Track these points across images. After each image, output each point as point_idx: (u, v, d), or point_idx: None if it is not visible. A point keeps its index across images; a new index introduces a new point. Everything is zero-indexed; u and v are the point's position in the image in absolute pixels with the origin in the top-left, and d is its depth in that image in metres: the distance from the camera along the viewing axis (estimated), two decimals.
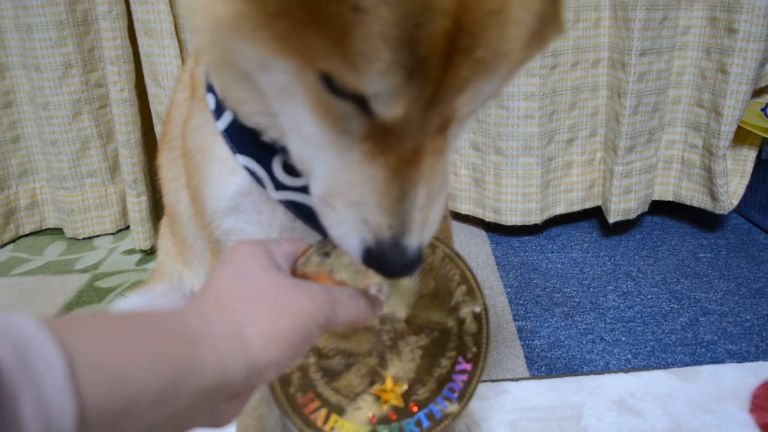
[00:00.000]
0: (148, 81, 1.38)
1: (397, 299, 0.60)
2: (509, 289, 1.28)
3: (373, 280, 0.59)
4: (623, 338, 1.11)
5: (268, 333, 0.43)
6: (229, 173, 0.63)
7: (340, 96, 0.41)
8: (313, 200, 0.48)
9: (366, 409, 0.59)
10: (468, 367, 0.60)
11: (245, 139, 0.59)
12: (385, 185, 0.44)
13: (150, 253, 1.49)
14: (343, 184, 0.45)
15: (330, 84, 0.41)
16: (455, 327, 0.60)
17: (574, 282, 1.30)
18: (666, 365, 1.03)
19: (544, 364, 1.05)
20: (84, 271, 1.43)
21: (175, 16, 1.30)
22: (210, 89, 0.62)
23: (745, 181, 1.47)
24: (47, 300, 1.31)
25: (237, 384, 0.41)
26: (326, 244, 0.56)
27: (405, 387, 0.60)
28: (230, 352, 0.41)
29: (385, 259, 0.45)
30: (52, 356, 0.30)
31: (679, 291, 1.26)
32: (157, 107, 1.39)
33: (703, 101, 1.40)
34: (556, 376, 1.00)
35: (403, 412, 0.59)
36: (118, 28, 1.33)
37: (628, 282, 1.30)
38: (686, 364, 1.03)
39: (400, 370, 0.60)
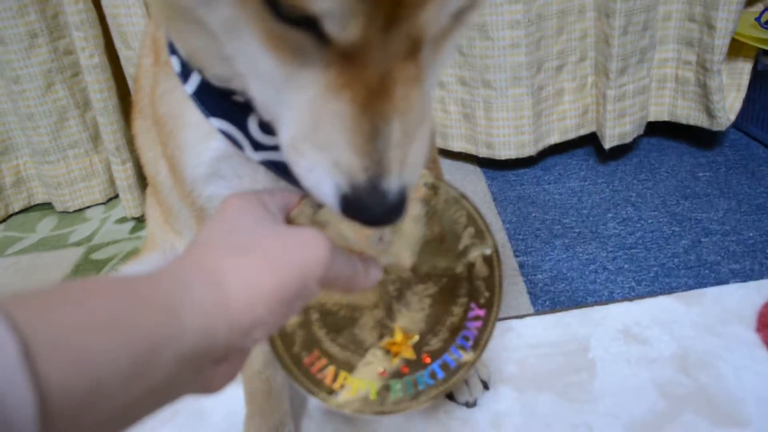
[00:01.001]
0: (118, 44, 1.33)
1: (400, 247, 0.56)
2: (508, 225, 1.26)
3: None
4: (626, 266, 1.10)
5: (252, 290, 0.39)
6: (203, 138, 0.60)
7: (290, 23, 0.37)
8: (282, 149, 0.44)
9: (376, 363, 0.57)
10: (481, 312, 0.57)
11: (217, 101, 0.56)
12: (353, 121, 0.39)
13: (141, 220, 1.47)
14: (310, 126, 0.41)
15: (276, 9, 0.36)
16: (465, 272, 0.57)
17: (573, 212, 1.29)
18: (670, 290, 1.02)
19: (548, 299, 1.04)
20: (78, 244, 1.41)
21: None
22: (173, 51, 0.59)
23: (742, 95, 1.43)
24: (44, 277, 1.29)
25: (220, 347, 0.38)
26: None
27: (416, 338, 0.57)
28: (210, 315, 0.37)
29: (364, 205, 0.40)
30: (4, 342, 0.26)
31: (680, 213, 1.24)
32: (130, 70, 1.34)
33: (694, 15, 1.35)
34: (560, 310, 0.99)
35: (415, 365, 0.57)
36: None
37: (627, 208, 1.28)
38: (690, 288, 1.02)
39: (409, 321, 0.57)
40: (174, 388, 0.36)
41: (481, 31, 1.31)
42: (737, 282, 1.01)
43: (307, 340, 0.56)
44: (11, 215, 1.60)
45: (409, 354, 0.57)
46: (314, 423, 0.84)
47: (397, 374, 0.57)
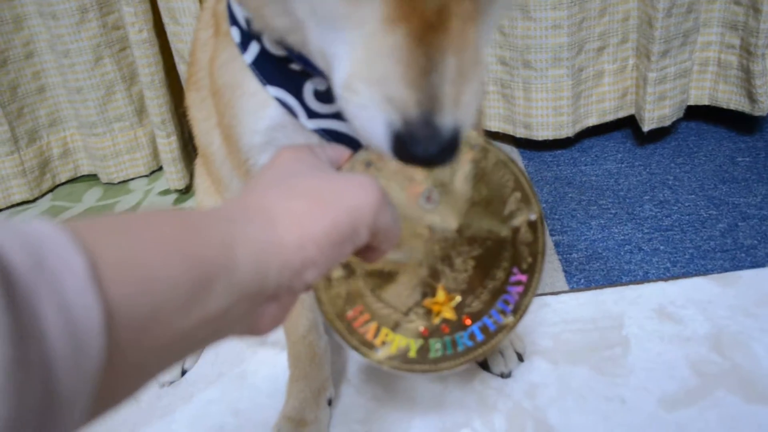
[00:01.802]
0: (165, 19, 1.36)
1: (447, 207, 0.57)
2: (544, 204, 1.28)
3: (422, 188, 0.56)
4: (662, 247, 1.11)
5: (304, 230, 0.40)
6: (260, 106, 0.62)
7: None
8: (336, 95, 0.44)
9: (417, 322, 0.58)
10: (523, 278, 0.58)
11: (274, 69, 0.58)
12: (408, 54, 0.39)
13: (185, 192, 1.52)
14: (365, 62, 0.41)
15: None
16: (509, 236, 0.58)
17: (609, 193, 1.29)
18: (705, 272, 1.03)
19: (582, 277, 1.05)
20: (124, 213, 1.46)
21: None
22: (233, 22, 0.61)
23: None
24: None
25: (271, 284, 0.38)
26: (371, 152, 0.54)
27: (458, 299, 0.58)
28: (263, 251, 0.38)
29: (416, 142, 0.39)
30: (73, 258, 0.27)
31: (717, 197, 1.24)
32: (177, 45, 1.38)
33: None
34: (595, 288, 1.01)
35: (455, 325, 0.58)
36: None
37: (664, 190, 1.28)
38: (726, 270, 1.02)
39: (452, 281, 0.58)
40: (227, 321, 0.37)
41: (524, 11, 1.32)
42: None
43: (351, 295, 0.57)
44: (58, 185, 1.66)
45: (450, 314, 0.58)
46: (353, 388, 0.87)
47: (438, 333, 0.58)
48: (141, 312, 0.30)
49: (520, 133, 1.47)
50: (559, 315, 0.95)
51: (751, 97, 1.37)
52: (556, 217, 1.24)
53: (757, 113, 1.38)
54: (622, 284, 1.01)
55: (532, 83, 1.39)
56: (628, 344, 0.88)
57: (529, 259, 0.58)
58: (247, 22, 0.58)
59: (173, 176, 1.48)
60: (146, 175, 1.63)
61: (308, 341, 0.79)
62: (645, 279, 1.03)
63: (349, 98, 0.42)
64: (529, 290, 0.58)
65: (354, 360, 0.91)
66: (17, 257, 0.26)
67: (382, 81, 0.40)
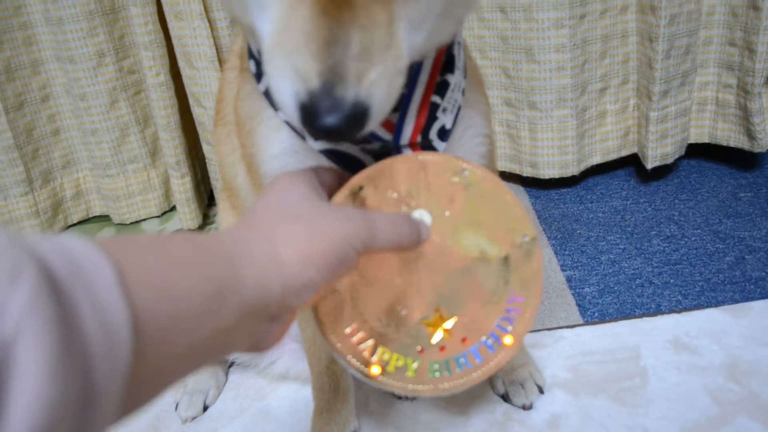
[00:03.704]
0: (181, 63, 1.40)
1: (441, 229, 0.58)
2: (553, 241, 1.30)
3: (415, 210, 0.58)
4: (672, 280, 1.13)
5: (303, 253, 0.45)
6: (275, 131, 0.66)
7: None
8: (263, 67, 0.46)
9: (415, 341, 0.58)
10: (521, 299, 0.58)
11: None
12: (313, 25, 0.41)
13: (198, 231, 1.53)
14: (279, 34, 0.43)
15: None
16: (504, 257, 0.58)
17: (616, 229, 1.32)
18: (717, 303, 1.04)
19: (596, 311, 1.07)
20: None
21: None
22: (251, 56, 0.65)
23: None
24: None
25: (274, 302, 0.43)
26: (363, 178, 0.58)
27: (455, 320, 0.58)
28: (267, 271, 0.43)
29: (318, 113, 0.41)
30: (103, 268, 0.32)
31: (723, 231, 1.27)
32: (192, 89, 1.42)
33: (735, 40, 1.39)
34: (610, 321, 1.02)
35: (453, 346, 0.57)
36: (149, 13, 1.35)
37: (670, 226, 1.31)
38: (736, 302, 1.04)
39: (447, 301, 0.58)
40: (236, 335, 0.41)
41: (528, 55, 1.37)
42: None
43: (350, 314, 0.57)
44: (69, 226, 1.68)
45: (447, 335, 0.58)
46: (375, 420, 0.88)
47: (436, 354, 0.57)
48: (161, 320, 0.34)
49: (527, 172, 1.50)
50: (576, 348, 0.97)
51: (750, 135, 1.41)
52: (567, 253, 1.26)
53: (756, 150, 1.42)
54: (636, 317, 1.03)
55: (537, 123, 1.43)
56: (646, 375, 0.89)
57: (526, 280, 0.58)
58: (260, 53, 0.62)
59: (186, 216, 1.50)
60: (158, 216, 1.65)
61: (332, 372, 0.80)
62: (658, 311, 1.04)
63: (268, 70, 0.44)
64: (526, 311, 0.58)
65: (376, 392, 0.92)
66: (59, 264, 0.30)
67: (290, 53, 0.42)
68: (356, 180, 0.58)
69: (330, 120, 0.41)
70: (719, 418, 0.80)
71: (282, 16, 0.43)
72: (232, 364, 1.00)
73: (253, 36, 0.57)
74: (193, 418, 0.91)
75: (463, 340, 0.57)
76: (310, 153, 0.65)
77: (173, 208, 1.67)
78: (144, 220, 1.64)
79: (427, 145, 0.62)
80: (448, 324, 0.58)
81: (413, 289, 0.58)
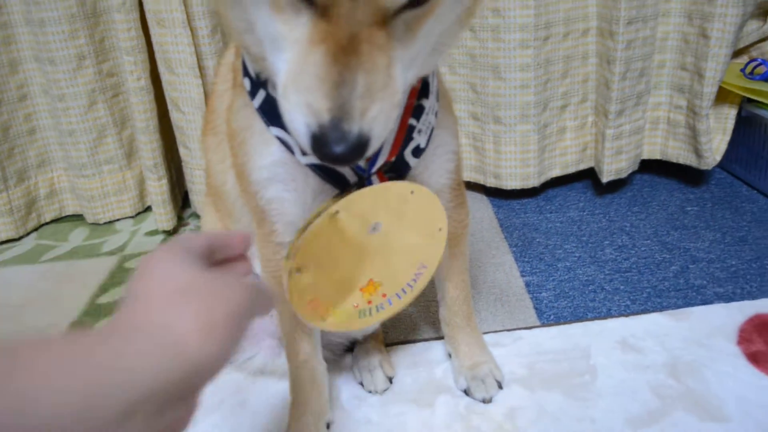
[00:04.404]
0: (161, 69, 1.45)
1: (388, 229, 0.77)
2: (514, 249, 1.38)
3: (371, 222, 0.75)
4: (622, 287, 1.22)
5: (203, 327, 0.43)
6: (266, 144, 0.72)
7: None
8: (278, 100, 0.53)
9: (352, 300, 0.79)
10: (423, 270, 0.83)
11: (275, 113, 0.67)
12: (325, 70, 0.49)
13: (172, 233, 1.57)
14: (294, 74, 0.51)
15: None
16: (422, 242, 0.80)
17: (573, 239, 1.41)
18: (661, 308, 1.13)
19: (552, 314, 1.15)
20: (111, 253, 1.51)
21: (186, 5, 1.36)
22: (245, 74, 0.71)
23: (727, 137, 1.57)
24: (81, 283, 1.39)
25: (176, 387, 0.41)
26: (337, 203, 0.71)
27: (381, 285, 0.80)
28: (163, 356, 0.41)
29: (327, 143, 0.49)
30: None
31: (670, 242, 1.36)
32: (171, 93, 1.46)
33: (686, 64, 1.49)
34: (564, 323, 1.10)
35: (376, 299, 0.81)
36: (132, 19, 1.39)
37: (622, 236, 1.40)
38: (679, 307, 1.14)
39: (379, 273, 0.80)
40: (135, 427, 0.39)
41: (494, 72, 1.45)
42: (721, 303, 1.13)
43: (310, 289, 0.75)
44: (42, 225, 1.70)
45: (375, 296, 0.81)
46: (346, 413, 0.94)
47: (365, 305, 0.80)
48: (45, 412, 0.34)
49: (491, 182, 1.58)
50: (533, 347, 1.04)
51: (698, 153, 1.52)
52: (526, 260, 1.34)
53: (703, 167, 1.53)
54: (588, 319, 1.11)
55: (501, 137, 1.51)
56: (595, 372, 0.97)
57: (433, 254, 0.81)
58: (257, 74, 0.68)
59: (162, 217, 1.54)
60: (131, 217, 1.68)
61: (310, 366, 0.86)
62: (608, 315, 1.13)
63: (283, 104, 0.52)
64: (427, 273, 0.83)
65: (347, 386, 0.98)
66: None
67: (304, 90, 0.50)
68: (334, 206, 0.70)
69: (337, 149, 0.49)
70: (659, 411, 0.89)
71: (297, 59, 0.51)
72: None
73: (259, 63, 0.63)
74: None
75: (383, 295, 0.81)
76: (297, 165, 0.71)
77: (147, 209, 1.70)
78: (118, 220, 1.67)
79: (399, 165, 0.74)
80: (377, 289, 0.81)
81: (357, 269, 0.78)
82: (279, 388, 0.97)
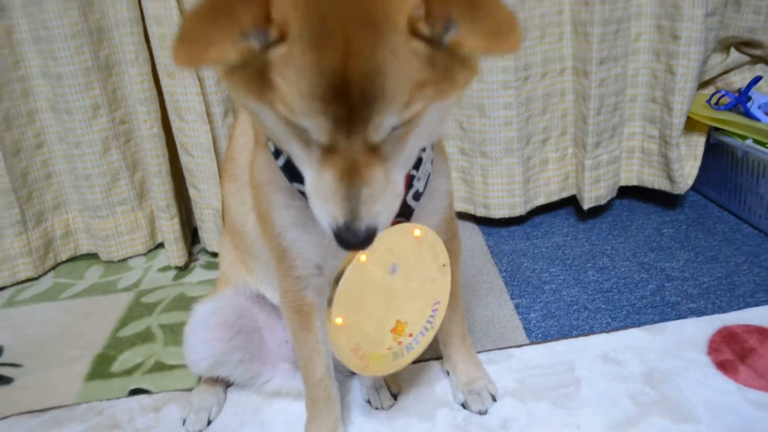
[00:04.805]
0: (172, 116, 1.56)
1: (404, 273, 0.88)
2: (504, 273, 1.49)
3: (391, 264, 0.86)
4: (603, 306, 1.33)
5: None
6: (289, 196, 0.83)
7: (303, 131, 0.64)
8: (307, 197, 0.69)
9: (385, 343, 0.90)
10: (439, 301, 0.93)
11: (296, 170, 0.79)
12: (336, 188, 0.64)
13: (183, 269, 1.68)
14: (315, 188, 0.66)
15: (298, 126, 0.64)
16: (433, 278, 0.90)
17: (558, 262, 1.52)
18: (639, 324, 1.24)
19: (540, 332, 1.25)
20: (127, 289, 1.60)
21: None
22: (268, 138, 0.82)
23: (698, 163, 1.70)
24: (101, 318, 1.48)
25: None
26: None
27: (408, 325, 0.91)
28: None
29: (344, 238, 0.65)
30: None
31: (647, 262, 1.48)
32: (181, 139, 1.57)
33: (656, 98, 1.62)
34: (551, 341, 1.21)
35: (405, 339, 0.92)
36: (145, 72, 1.51)
37: (603, 258, 1.51)
38: (656, 322, 1.24)
39: (404, 314, 0.90)
40: None
41: (480, 111, 1.57)
42: (693, 317, 1.24)
43: (349, 338, 0.86)
44: (59, 264, 1.79)
45: (403, 335, 0.91)
46: (357, 428, 1.04)
47: (397, 347, 0.91)
48: None
49: (480, 212, 1.70)
50: (523, 363, 1.15)
51: (671, 179, 1.64)
52: (515, 283, 1.45)
53: (676, 192, 1.65)
54: (572, 337, 1.22)
55: (488, 170, 1.63)
56: (579, 384, 1.08)
57: (442, 289, 0.92)
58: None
59: (175, 254, 1.64)
60: (144, 254, 1.78)
61: (324, 385, 0.96)
62: (591, 332, 1.24)
63: (311, 205, 0.68)
64: (442, 307, 0.94)
65: (356, 405, 1.08)
66: None
67: (323, 200, 0.66)
68: (361, 253, 0.82)
69: (352, 241, 0.65)
70: (637, 416, 0.99)
71: (315, 177, 0.66)
72: (230, 385, 1.14)
73: (284, 150, 0.77)
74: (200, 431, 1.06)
75: (410, 334, 0.92)
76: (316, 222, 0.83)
77: (158, 246, 1.81)
78: (131, 257, 1.77)
79: (403, 208, 0.85)
80: (406, 328, 0.91)
81: (385, 312, 0.89)
82: (295, 407, 1.07)
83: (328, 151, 0.63)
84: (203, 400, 1.09)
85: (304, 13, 0.58)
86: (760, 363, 1.09)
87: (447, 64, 0.62)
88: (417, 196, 0.85)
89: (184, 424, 1.07)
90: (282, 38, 0.59)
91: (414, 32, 0.60)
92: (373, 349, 0.89)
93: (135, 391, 1.19)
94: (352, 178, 0.63)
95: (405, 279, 0.88)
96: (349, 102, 0.59)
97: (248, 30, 0.57)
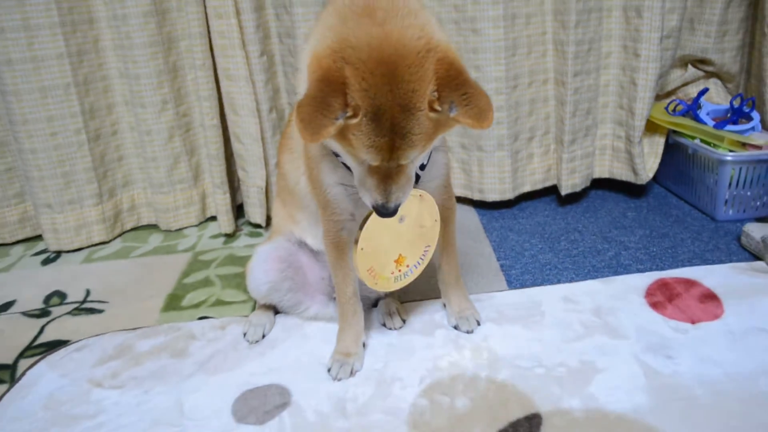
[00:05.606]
0: (227, 111, 1.93)
1: (409, 219, 1.21)
2: (494, 243, 1.84)
3: (399, 216, 1.19)
4: (570, 266, 1.67)
5: None
6: (334, 166, 1.18)
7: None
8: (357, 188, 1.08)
9: (389, 269, 1.24)
10: (428, 247, 1.27)
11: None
12: (377, 184, 1.02)
13: (231, 236, 2.04)
14: (363, 183, 1.05)
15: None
16: (428, 230, 1.25)
17: (537, 236, 1.87)
18: (595, 278, 1.59)
19: (518, 284, 1.60)
20: (186, 251, 1.96)
21: (249, 64, 1.84)
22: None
23: (658, 159, 2.05)
24: (168, 270, 1.84)
25: None
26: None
27: (407, 258, 1.25)
28: None
29: (381, 212, 1.05)
30: None
31: (610, 237, 1.82)
32: (234, 129, 1.94)
33: (623, 105, 1.98)
34: (525, 288, 1.56)
35: (403, 269, 1.26)
36: (209, 75, 1.88)
37: (575, 234, 1.86)
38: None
39: (405, 251, 1.24)
40: None
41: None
42: (638, 273, 1.58)
43: (367, 262, 1.20)
44: (124, 232, 2.16)
45: (402, 266, 1.25)
46: (374, 339, 1.39)
47: (398, 273, 1.25)
48: None
49: (477, 196, 2.05)
50: (503, 301, 1.50)
51: (635, 172, 1.99)
52: (502, 250, 1.80)
53: (639, 182, 2.00)
54: (542, 286, 1.57)
55: (483, 161, 1.99)
56: (544, 314, 1.42)
57: (431, 238, 1.26)
58: None
59: (225, 223, 2.00)
60: (196, 225, 2.14)
61: (352, 302, 1.31)
62: (557, 283, 1.58)
63: (361, 193, 1.06)
64: (429, 251, 1.28)
65: (375, 326, 1.43)
66: None
67: (367, 192, 1.05)
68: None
69: (385, 213, 1.05)
70: (585, 334, 1.34)
71: (362, 176, 1.05)
72: (278, 313, 1.50)
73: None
74: (257, 341, 1.41)
75: (407, 265, 1.26)
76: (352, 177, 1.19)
77: (208, 219, 2.17)
78: (185, 228, 2.13)
79: None
80: (405, 260, 1.25)
81: (393, 248, 1.23)
82: (329, 327, 1.42)
83: (376, 169, 1.02)
84: (259, 319, 1.44)
85: (367, 101, 0.95)
86: (684, 303, 1.43)
87: (448, 121, 1.00)
88: (422, 167, 1.20)
89: (245, 336, 1.42)
90: (355, 115, 0.96)
91: (431, 109, 0.97)
92: (381, 272, 1.23)
93: (202, 318, 1.55)
94: (387, 181, 1.02)
95: (408, 227, 1.23)
96: (391, 150, 0.99)
97: (339, 114, 0.95)
